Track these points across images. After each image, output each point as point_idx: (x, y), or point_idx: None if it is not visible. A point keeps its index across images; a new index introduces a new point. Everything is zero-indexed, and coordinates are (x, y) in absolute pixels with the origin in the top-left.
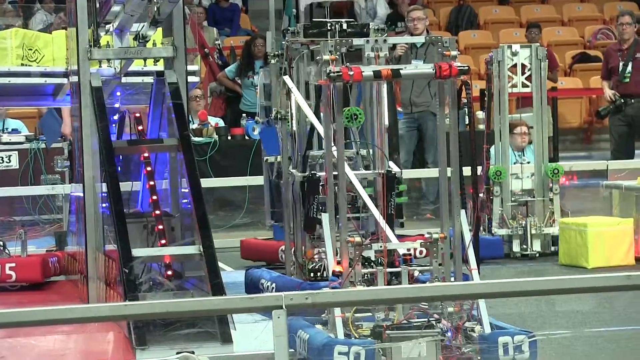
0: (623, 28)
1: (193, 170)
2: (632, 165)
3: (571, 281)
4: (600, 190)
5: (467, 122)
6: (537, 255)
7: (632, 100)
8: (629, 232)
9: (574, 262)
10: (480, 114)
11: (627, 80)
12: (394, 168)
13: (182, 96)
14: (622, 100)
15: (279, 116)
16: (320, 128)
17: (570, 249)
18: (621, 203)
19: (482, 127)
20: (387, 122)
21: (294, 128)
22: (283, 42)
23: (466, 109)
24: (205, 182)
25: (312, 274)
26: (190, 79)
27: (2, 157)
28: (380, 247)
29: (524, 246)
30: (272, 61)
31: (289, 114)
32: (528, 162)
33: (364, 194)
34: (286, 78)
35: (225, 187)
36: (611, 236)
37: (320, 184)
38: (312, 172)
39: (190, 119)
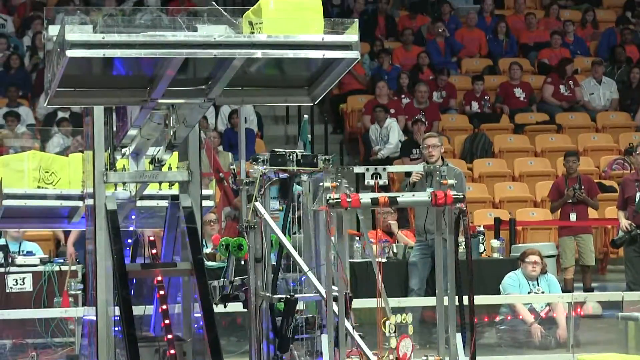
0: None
1: (206, 295)
2: None
3: None
4: (616, 321)
5: (481, 250)
6: None
7: None
8: None
9: None
10: (496, 243)
11: None
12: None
13: (196, 220)
14: (638, 231)
15: (246, 225)
16: (294, 253)
17: None
18: (637, 335)
19: (496, 255)
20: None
21: (264, 252)
22: (252, 170)
23: (480, 238)
24: (218, 307)
25: None
26: (205, 203)
27: (17, 280)
28: None
29: None
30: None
31: (261, 243)
32: (542, 292)
33: None
34: (257, 204)
35: (238, 311)
36: None
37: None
38: (291, 294)
39: (204, 243)
